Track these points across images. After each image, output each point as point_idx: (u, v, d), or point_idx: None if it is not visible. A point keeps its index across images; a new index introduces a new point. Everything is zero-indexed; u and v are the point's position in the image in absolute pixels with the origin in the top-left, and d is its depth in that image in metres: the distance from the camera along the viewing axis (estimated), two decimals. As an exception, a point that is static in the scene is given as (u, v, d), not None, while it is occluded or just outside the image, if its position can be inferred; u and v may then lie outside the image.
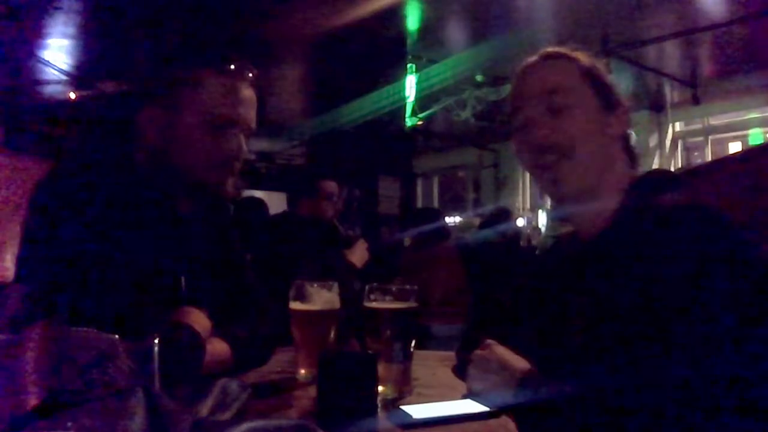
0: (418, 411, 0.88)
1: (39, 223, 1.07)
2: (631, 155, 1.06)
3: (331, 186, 2.90)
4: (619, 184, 1.00)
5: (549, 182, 1.02)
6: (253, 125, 1.20)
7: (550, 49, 1.08)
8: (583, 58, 1.05)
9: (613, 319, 0.88)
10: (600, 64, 1.06)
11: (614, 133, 1.02)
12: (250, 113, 1.18)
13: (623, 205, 0.97)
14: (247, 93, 1.18)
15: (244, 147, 1.17)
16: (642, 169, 1.07)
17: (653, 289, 0.82)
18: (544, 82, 1.03)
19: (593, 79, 1.03)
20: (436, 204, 10.17)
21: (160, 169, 1.16)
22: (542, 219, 7.69)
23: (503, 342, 1.04)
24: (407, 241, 4.37)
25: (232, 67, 1.16)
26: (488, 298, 1.18)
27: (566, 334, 0.97)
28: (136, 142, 1.17)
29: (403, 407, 0.90)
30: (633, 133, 1.07)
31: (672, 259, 0.82)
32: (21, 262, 1.07)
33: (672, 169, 7.26)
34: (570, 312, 0.98)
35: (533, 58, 1.09)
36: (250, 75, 1.19)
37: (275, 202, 4.02)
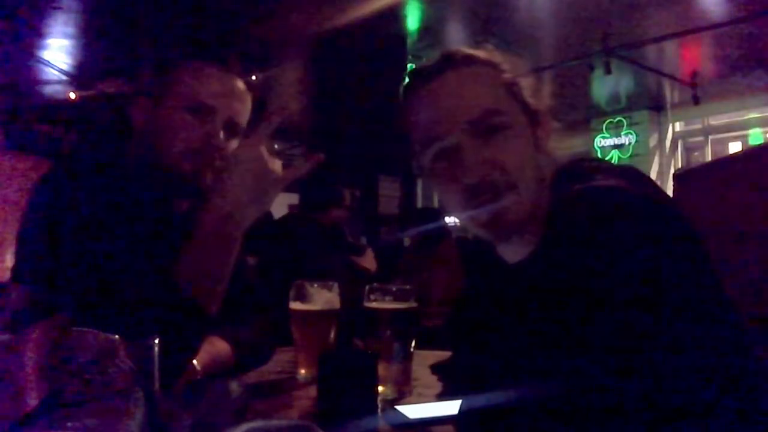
0: (415, 411, 0.89)
1: (38, 223, 1.07)
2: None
3: (349, 194, 2.96)
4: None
5: (487, 221, 0.82)
6: (238, 119, 1.17)
7: (462, 51, 0.85)
8: (501, 60, 0.85)
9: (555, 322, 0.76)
10: (515, 64, 0.87)
11: (544, 145, 0.86)
12: (232, 104, 1.16)
13: (549, 205, 0.83)
14: (231, 84, 1.17)
15: (221, 136, 1.13)
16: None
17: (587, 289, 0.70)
18: (472, 100, 0.81)
19: (514, 87, 0.84)
20: (436, 204, 10.16)
21: (146, 160, 1.15)
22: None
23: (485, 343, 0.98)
24: (407, 241, 4.37)
25: (219, 58, 1.16)
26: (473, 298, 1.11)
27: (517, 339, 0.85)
28: (131, 136, 1.18)
29: (400, 407, 0.90)
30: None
31: (604, 253, 0.69)
32: (21, 261, 1.07)
33: (672, 170, 7.28)
34: (518, 321, 0.86)
35: (433, 62, 0.85)
36: (241, 70, 1.18)
37: (275, 202, 4.02)
